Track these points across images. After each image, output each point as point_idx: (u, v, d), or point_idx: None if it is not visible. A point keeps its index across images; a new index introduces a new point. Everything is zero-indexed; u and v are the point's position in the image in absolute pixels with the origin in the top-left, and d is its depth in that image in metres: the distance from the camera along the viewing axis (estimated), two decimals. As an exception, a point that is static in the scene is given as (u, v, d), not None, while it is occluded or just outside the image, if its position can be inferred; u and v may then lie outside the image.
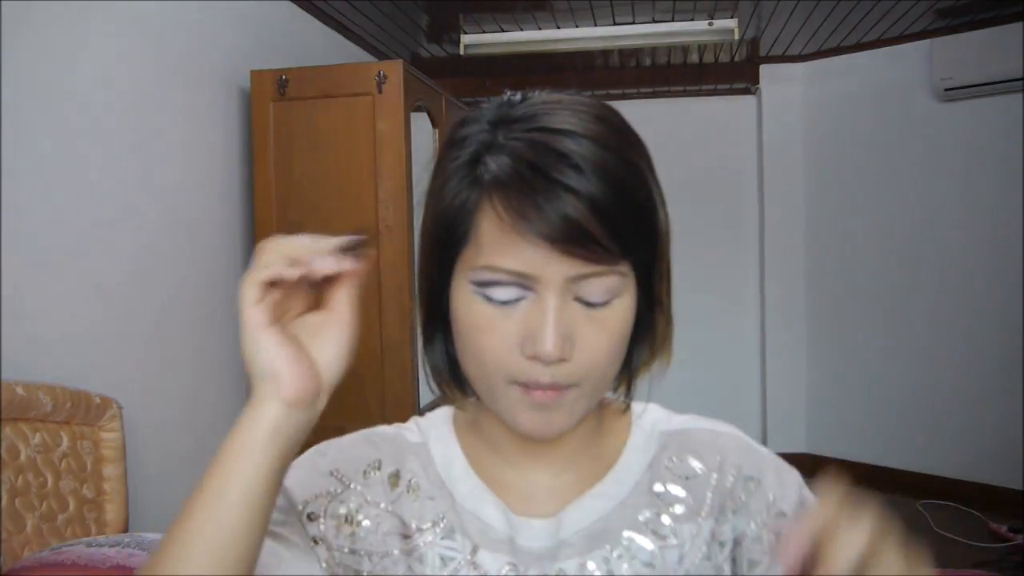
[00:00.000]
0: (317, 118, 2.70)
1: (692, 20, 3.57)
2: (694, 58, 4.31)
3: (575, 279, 0.57)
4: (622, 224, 0.56)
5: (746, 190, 4.58)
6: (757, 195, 4.55)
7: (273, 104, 2.71)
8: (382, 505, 0.67)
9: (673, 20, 3.58)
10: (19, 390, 1.68)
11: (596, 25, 3.65)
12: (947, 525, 3.32)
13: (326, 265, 0.56)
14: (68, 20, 1.98)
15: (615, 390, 0.67)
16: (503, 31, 3.72)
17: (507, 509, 0.66)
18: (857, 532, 0.45)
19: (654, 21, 3.59)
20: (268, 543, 0.64)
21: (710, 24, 3.55)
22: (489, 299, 0.58)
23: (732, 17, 3.53)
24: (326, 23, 3.40)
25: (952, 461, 3.80)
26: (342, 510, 0.66)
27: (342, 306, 0.58)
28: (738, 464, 0.68)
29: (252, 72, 2.73)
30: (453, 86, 3.55)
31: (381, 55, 3.92)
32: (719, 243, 4.54)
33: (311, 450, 0.69)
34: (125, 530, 1.92)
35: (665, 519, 0.66)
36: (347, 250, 0.57)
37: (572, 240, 0.55)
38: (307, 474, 0.68)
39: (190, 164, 2.50)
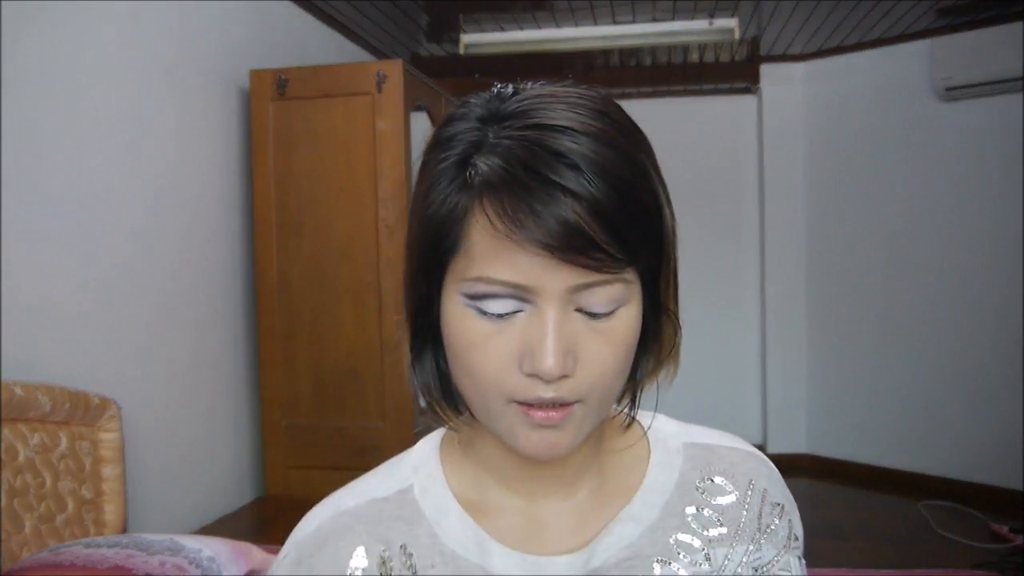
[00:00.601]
0: (317, 118, 2.69)
1: (692, 20, 3.57)
2: (694, 58, 4.31)
3: (576, 289, 0.53)
4: (626, 228, 0.52)
5: (746, 190, 4.58)
6: (757, 195, 4.55)
7: (272, 104, 2.71)
8: None
9: (673, 20, 3.58)
10: (18, 390, 1.68)
11: (596, 25, 3.65)
12: (948, 525, 3.32)
13: None
14: (66, 20, 1.97)
15: (619, 401, 0.63)
16: (503, 31, 3.72)
17: (521, 554, 0.60)
18: None
19: (654, 21, 3.59)
20: None
21: (710, 24, 3.55)
22: (483, 313, 0.54)
23: (732, 17, 3.53)
24: (326, 23, 3.40)
25: (952, 461, 3.79)
26: None
27: None
28: (766, 489, 0.66)
29: (252, 72, 2.73)
30: (453, 86, 3.55)
31: (381, 55, 3.92)
32: (719, 243, 4.54)
33: (287, 560, 0.63)
34: (124, 531, 1.91)
35: (697, 543, 0.62)
36: None
37: (572, 247, 0.50)
38: None
39: (190, 164, 2.49)
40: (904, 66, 3.90)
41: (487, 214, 0.52)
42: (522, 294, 0.53)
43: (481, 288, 0.53)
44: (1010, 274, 3.61)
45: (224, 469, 2.66)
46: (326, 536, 0.62)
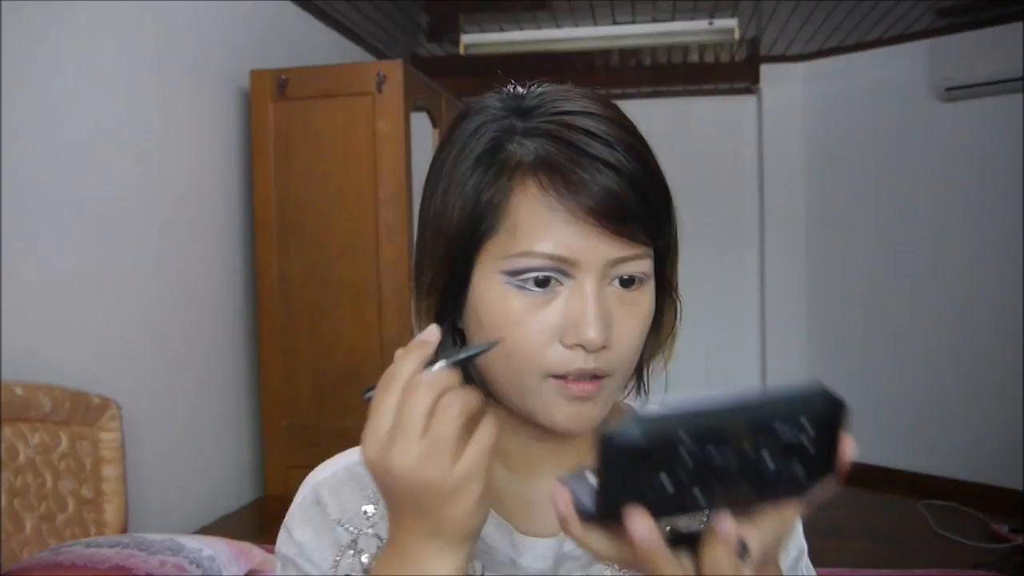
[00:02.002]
0: (317, 118, 2.69)
1: (692, 20, 3.56)
2: (694, 58, 4.31)
3: (614, 263, 0.56)
4: (655, 202, 0.57)
5: (746, 190, 4.58)
6: (757, 195, 4.55)
7: (273, 104, 2.71)
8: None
9: (673, 20, 3.58)
10: (18, 390, 1.68)
11: (596, 25, 3.65)
12: (948, 525, 3.32)
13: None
14: (67, 20, 1.97)
15: (625, 386, 0.65)
16: (503, 31, 3.72)
17: (511, 528, 0.64)
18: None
19: (654, 21, 3.58)
20: None
21: (710, 24, 3.55)
22: (524, 288, 0.56)
23: (732, 17, 3.53)
24: (326, 23, 3.40)
25: (952, 461, 3.79)
26: (365, 559, 0.63)
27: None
28: None
29: (252, 72, 2.73)
30: (453, 86, 3.55)
31: (381, 55, 3.92)
32: (719, 243, 4.54)
33: (306, 500, 0.65)
34: (124, 530, 1.91)
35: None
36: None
37: (615, 216, 0.54)
38: (318, 530, 0.64)
39: (190, 164, 2.50)
40: (904, 66, 3.90)
41: (540, 185, 0.55)
42: (564, 267, 0.56)
43: (525, 263, 0.56)
44: (1010, 274, 3.61)
45: (224, 469, 2.66)
46: (341, 481, 0.66)
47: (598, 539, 0.46)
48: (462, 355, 0.54)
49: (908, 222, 3.96)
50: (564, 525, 0.46)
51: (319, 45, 3.35)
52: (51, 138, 1.93)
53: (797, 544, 0.69)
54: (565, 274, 0.56)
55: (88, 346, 2.03)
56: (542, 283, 0.56)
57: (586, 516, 0.45)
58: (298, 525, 0.64)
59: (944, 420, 3.84)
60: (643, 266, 0.58)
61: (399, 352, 0.53)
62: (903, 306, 4.00)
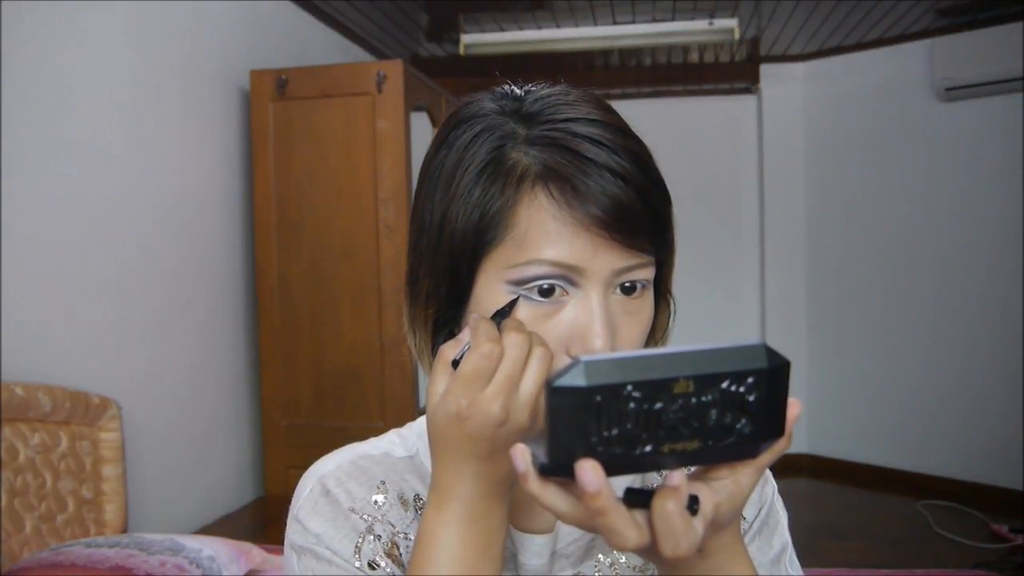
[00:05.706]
0: (317, 118, 2.69)
1: (692, 20, 3.56)
2: (694, 58, 4.31)
3: (620, 272, 0.56)
4: (659, 211, 0.57)
5: (746, 190, 4.58)
6: (757, 195, 4.55)
7: (273, 104, 2.71)
8: (407, 532, 0.64)
9: (673, 20, 3.58)
10: (18, 390, 1.68)
11: (596, 25, 3.65)
12: (948, 525, 3.32)
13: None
14: (67, 20, 1.97)
15: None
16: (503, 31, 3.72)
17: (509, 525, 0.64)
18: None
19: (654, 21, 3.59)
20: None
21: (710, 24, 3.55)
22: (528, 298, 0.56)
23: (732, 17, 3.53)
24: (326, 23, 3.40)
25: (952, 461, 3.79)
26: (384, 547, 0.63)
27: None
28: None
29: (252, 72, 2.73)
30: (453, 86, 3.55)
31: (381, 55, 3.92)
32: (719, 243, 4.54)
33: (314, 492, 0.65)
34: (124, 530, 1.91)
35: None
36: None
37: (624, 227, 0.54)
38: (332, 519, 0.63)
39: (190, 164, 2.50)
40: (904, 66, 3.90)
41: (548, 194, 0.55)
42: (571, 275, 0.56)
43: (532, 271, 0.55)
44: (1010, 274, 3.61)
45: (224, 469, 2.66)
46: (348, 473, 0.66)
47: (555, 496, 0.46)
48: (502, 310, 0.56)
49: (908, 222, 3.97)
50: (523, 481, 0.46)
51: (319, 45, 3.35)
52: (51, 138, 1.93)
53: (781, 539, 0.70)
54: (571, 283, 0.56)
55: (88, 346, 2.03)
56: (546, 292, 0.55)
57: (543, 470, 0.45)
58: (311, 517, 0.64)
59: (944, 420, 3.84)
60: (646, 274, 0.58)
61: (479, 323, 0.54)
62: (903, 306, 4.00)
